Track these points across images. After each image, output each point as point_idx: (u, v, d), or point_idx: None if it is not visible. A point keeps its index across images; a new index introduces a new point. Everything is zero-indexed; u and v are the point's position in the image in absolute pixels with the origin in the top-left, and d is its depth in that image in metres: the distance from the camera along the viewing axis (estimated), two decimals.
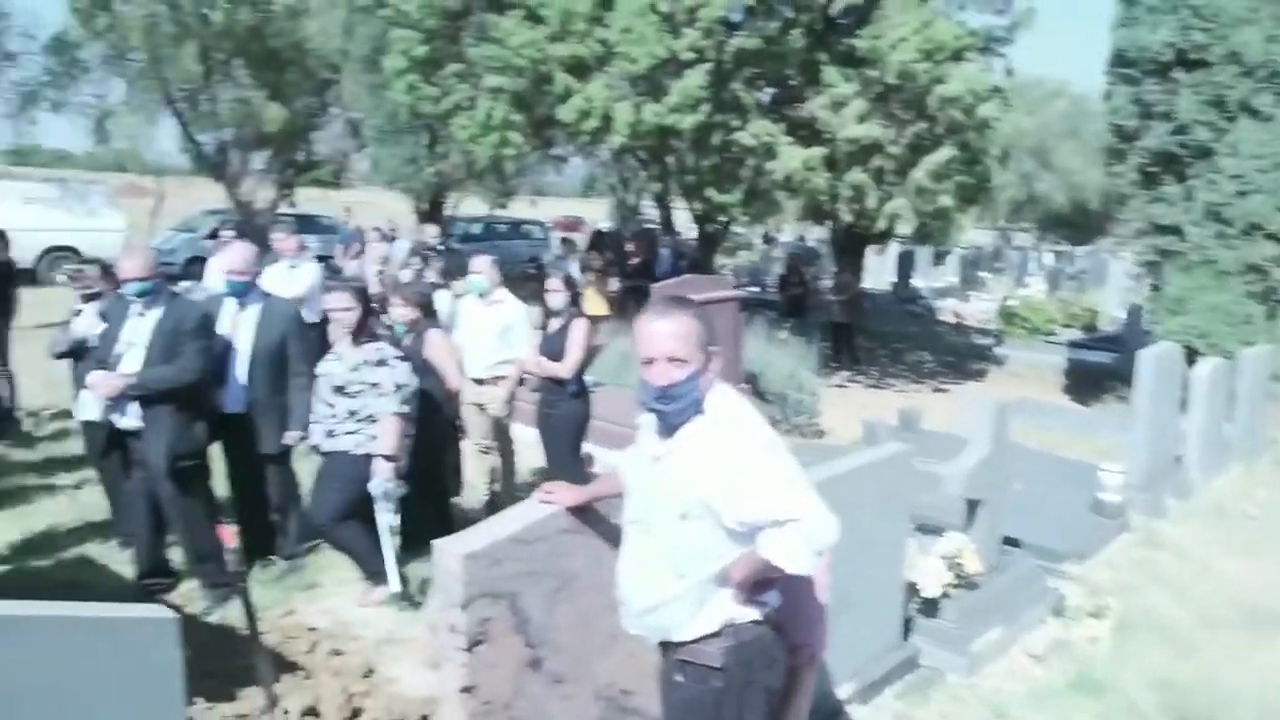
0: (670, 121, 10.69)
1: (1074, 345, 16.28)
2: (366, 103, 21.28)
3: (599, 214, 38.94)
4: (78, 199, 20.29)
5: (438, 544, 2.80)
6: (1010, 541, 5.61)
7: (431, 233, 12.79)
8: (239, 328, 5.22)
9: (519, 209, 30.26)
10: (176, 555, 5.32)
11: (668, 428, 2.41)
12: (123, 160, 26.76)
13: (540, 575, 2.94)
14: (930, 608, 4.83)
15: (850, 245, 16.08)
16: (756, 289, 20.41)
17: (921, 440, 7.09)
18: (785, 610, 2.52)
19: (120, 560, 5.70)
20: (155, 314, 4.92)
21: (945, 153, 11.34)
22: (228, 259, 5.30)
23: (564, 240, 17.70)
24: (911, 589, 4.79)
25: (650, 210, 28.72)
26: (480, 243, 23.40)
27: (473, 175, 21.21)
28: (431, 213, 23.54)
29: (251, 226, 15.02)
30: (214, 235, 19.61)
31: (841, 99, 11.02)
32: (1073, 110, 37.52)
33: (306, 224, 23.26)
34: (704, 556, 2.37)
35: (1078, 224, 39.34)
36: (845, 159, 11.28)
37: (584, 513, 3.03)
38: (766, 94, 12.64)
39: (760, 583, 2.39)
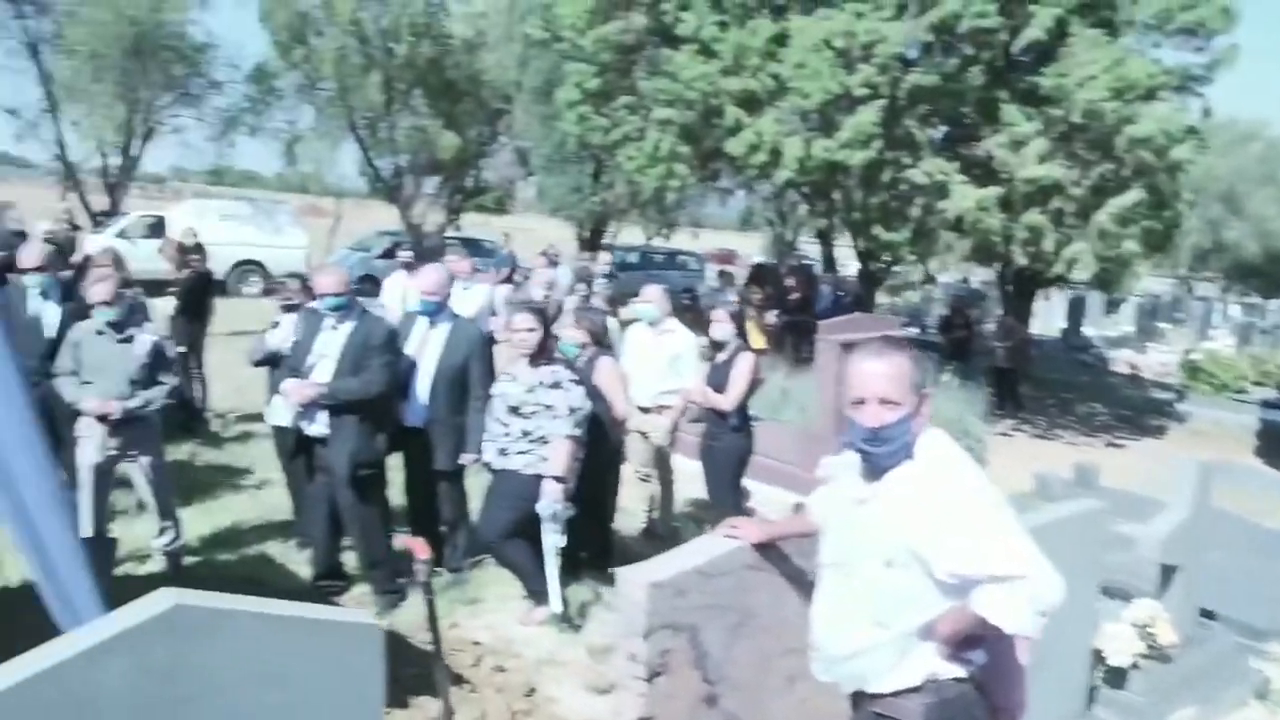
0: (840, 157, 10.56)
1: (1268, 405, 15.10)
2: (536, 132, 21.96)
3: (753, 248, 38.89)
4: (266, 217, 21.65)
5: (621, 572, 2.78)
6: (1207, 614, 5.20)
7: (602, 259, 13.01)
8: (426, 346, 5.40)
9: (679, 240, 30.51)
10: (351, 559, 5.53)
11: (874, 470, 2.32)
12: (306, 182, 28.46)
13: (722, 610, 2.88)
14: (1117, 678, 4.51)
15: (1019, 289, 15.45)
16: (916, 330, 19.89)
17: (1101, 497, 6.69)
18: (989, 669, 2.38)
19: (298, 560, 5.96)
20: (346, 328, 5.15)
21: (1133, 196, 10.77)
22: (422, 280, 5.50)
23: (721, 273, 17.71)
24: (1097, 656, 4.49)
25: (807, 246, 28.49)
26: (636, 271, 23.68)
27: (636, 205, 21.53)
28: (592, 240, 24.04)
29: (421, 248, 15.68)
30: (387, 254, 20.64)
31: (1021, 138, 10.63)
32: (1269, 154, 35.18)
33: (470, 247, 24.08)
34: (908, 606, 2.26)
35: (1270, 275, 36.71)
36: (1022, 200, 10.86)
37: (768, 550, 2.97)
38: (939, 131, 12.34)
39: (969, 639, 2.27)
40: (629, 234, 29.83)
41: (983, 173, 11.32)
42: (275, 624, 1.94)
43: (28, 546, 2.22)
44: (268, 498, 7.16)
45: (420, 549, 3.25)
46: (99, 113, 21.45)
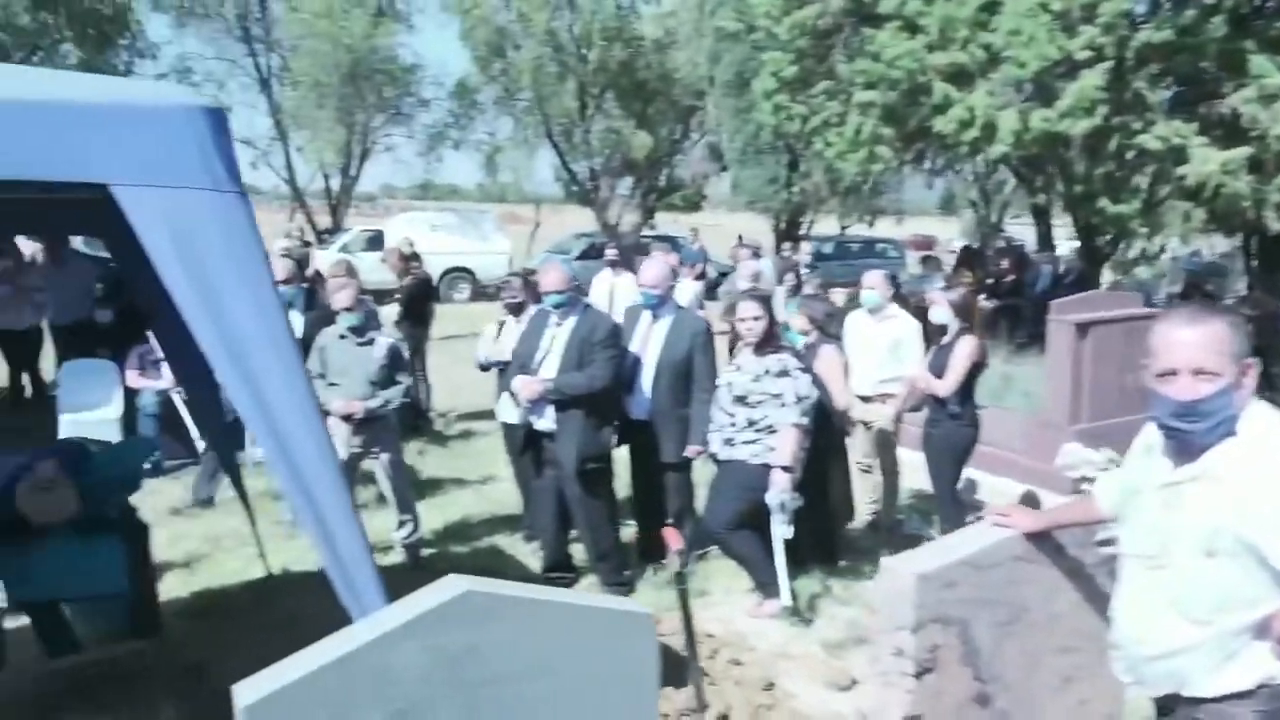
0: (1061, 128, 9.89)
1: None
2: (729, 126, 21.92)
3: (952, 232, 37.32)
4: (472, 225, 22.63)
5: (886, 562, 2.64)
6: None
7: (803, 250, 12.79)
8: (650, 339, 5.41)
9: (881, 228, 29.72)
10: (579, 552, 5.62)
11: (1188, 450, 2.08)
12: (505, 191, 29.59)
13: (992, 604, 2.69)
14: None
15: (1267, 260, 14.03)
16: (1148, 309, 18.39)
17: None
18: None
19: (525, 552, 6.12)
20: (570, 324, 5.23)
21: None
22: (644, 273, 5.53)
23: (925, 258, 17.06)
24: None
25: (1013, 227, 27.07)
26: (832, 261, 23.20)
27: (835, 193, 21.11)
28: (788, 231, 23.76)
29: (619, 247, 15.97)
30: (586, 256, 21.14)
31: (1274, 91, 9.60)
32: None
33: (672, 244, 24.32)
34: (1234, 601, 2.01)
35: None
36: (1275, 159, 9.82)
37: (1041, 540, 2.75)
38: (1171, 92, 11.36)
39: None
40: (823, 224, 29.29)
41: (1226, 133, 10.32)
42: (558, 611, 1.94)
43: (318, 537, 2.33)
44: (493, 493, 7.41)
45: (675, 539, 3.22)
46: (322, 137, 23.05)
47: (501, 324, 6.34)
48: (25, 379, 10.14)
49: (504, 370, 5.98)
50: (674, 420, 5.36)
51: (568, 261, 22.50)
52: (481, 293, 21.84)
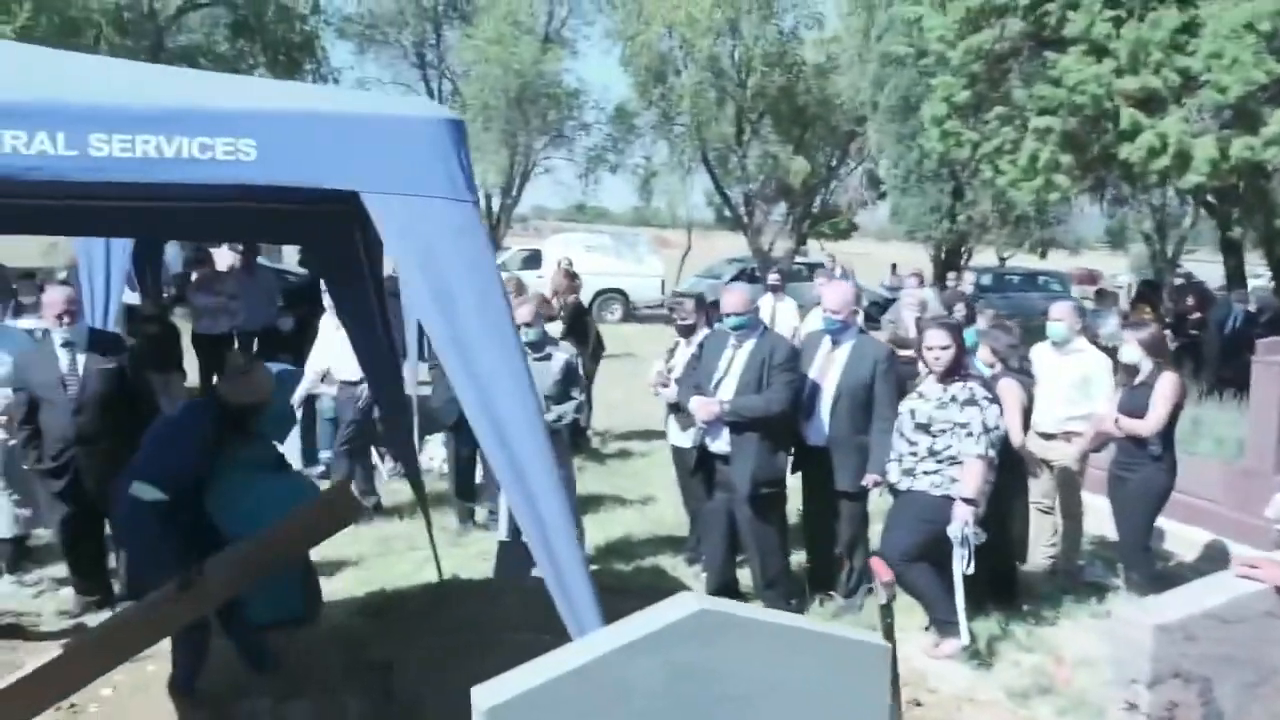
0: (1266, 156, 9.25)
1: None
2: (891, 152, 21.51)
3: (1116, 267, 35.51)
4: (627, 247, 22.94)
5: (1119, 610, 2.48)
6: None
7: (968, 280, 12.38)
8: (830, 364, 5.32)
9: (1055, 260, 28.55)
10: (744, 577, 5.54)
11: None
12: (656, 215, 29.89)
13: (1238, 663, 2.48)
14: None
15: None
16: None
17: None
18: None
19: (689, 574, 6.08)
20: (749, 346, 5.19)
21: None
22: (827, 298, 5.44)
23: (1100, 293, 16.24)
24: None
25: (1188, 262, 25.53)
26: (992, 294, 22.39)
27: (1005, 222, 20.39)
28: (948, 262, 23.09)
29: (780, 272, 15.82)
30: (736, 280, 21.08)
31: None
32: None
33: (815, 271, 24.04)
34: None
35: None
36: None
37: None
38: None
39: None
40: (980, 256, 28.36)
41: None
42: (791, 635, 1.89)
43: (539, 547, 2.35)
44: (653, 512, 7.42)
45: (883, 570, 3.13)
46: (486, 158, 23.84)
47: (674, 348, 6.35)
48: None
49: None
50: (852, 448, 5.23)
51: (717, 287, 22.59)
52: (633, 314, 22.09)
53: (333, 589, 5.81)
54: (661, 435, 10.00)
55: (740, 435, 5.10)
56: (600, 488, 8.12)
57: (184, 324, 9.97)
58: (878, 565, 3.22)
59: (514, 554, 5.79)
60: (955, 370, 4.74)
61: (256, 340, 10.44)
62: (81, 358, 5.09)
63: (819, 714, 1.90)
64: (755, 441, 5.07)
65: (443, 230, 2.26)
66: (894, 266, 24.48)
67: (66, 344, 5.08)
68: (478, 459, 7.16)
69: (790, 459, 5.34)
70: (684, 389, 5.46)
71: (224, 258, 12.39)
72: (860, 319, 5.84)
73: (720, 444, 5.18)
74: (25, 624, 5.17)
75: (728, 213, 27.04)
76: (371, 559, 6.35)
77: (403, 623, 4.73)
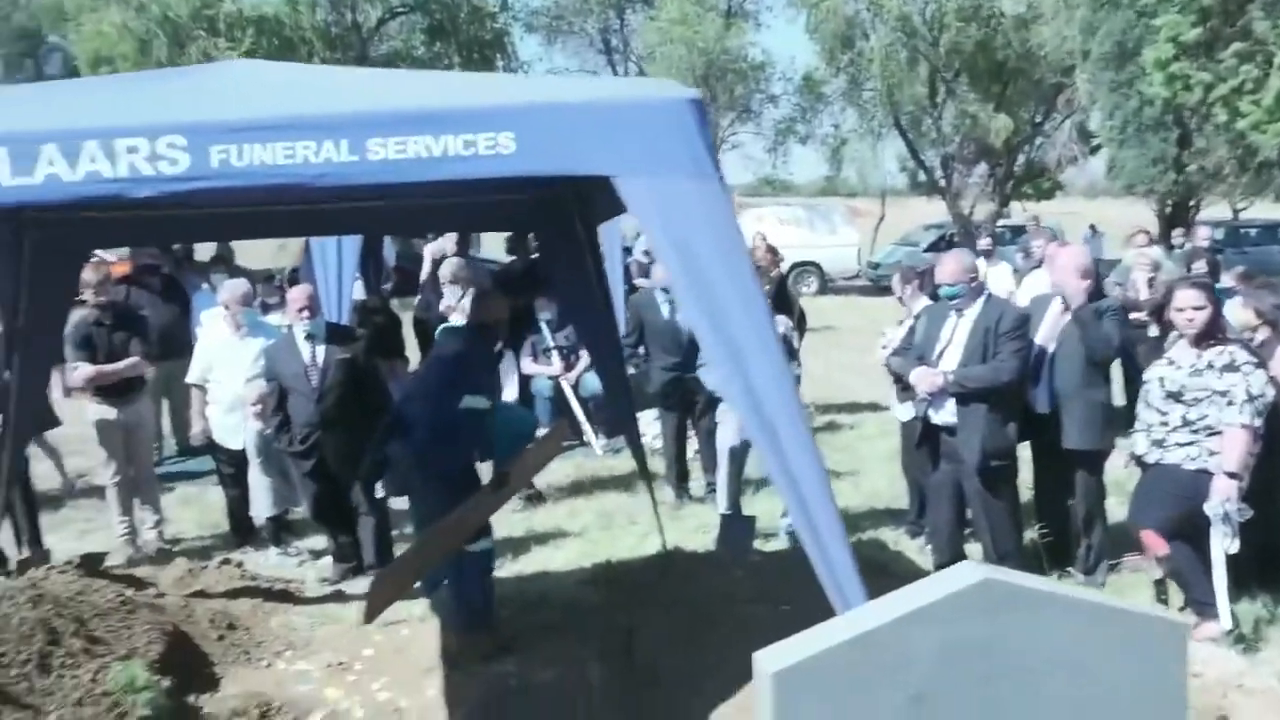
0: None
1: None
2: (1106, 102, 20.10)
3: None
4: (821, 219, 22.57)
5: None
6: None
7: (1202, 236, 11.45)
8: (1058, 327, 5.08)
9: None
10: (973, 551, 5.38)
11: None
12: (847, 184, 29.19)
13: None
14: None
15: None
16: None
17: None
18: None
19: (912, 548, 5.97)
20: (973, 314, 5.02)
21: None
22: (1062, 261, 5.21)
23: None
24: None
25: None
26: (1226, 249, 20.56)
27: (1245, 170, 18.64)
28: (1174, 217, 21.35)
29: (991, 235, 15.08)
30: (934, 248, 20.32)
31: None
32: None
33: (1018, 234, 22.84)
34: None
35: None
36: None
37: None
38: None
39: None
40: (1209, 209, 26.09)
41: None
42: (1085, 609, 1.82)
43: (801, 521, 2.38)
44: (866, 485, 7.31)
45: (1157, 543, 2.97)
46: None
47: (903, 322, 6.20)
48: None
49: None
50: (1082, 404, 4.98)
51: (914, 254, 21.96)
52: (829, 287, 21.71)
53: (560, 561, 6.06)
54: (867, 408, 9.86)
55: (966, 406, 4.94)
56: None
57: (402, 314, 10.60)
58: (1150, 539, 3.05)
59: (736, 528, 5.86)
60: (1211, 333, 4.40)
61: None
62: (321, 349, 5.52)
63: (1113, 694, 1.83)
64: (983, 412, 4.90)
65: (691, 208, 2.30)
66: (1093, 227, 22.87)
67: (309, 336, 5.51)
68: (689, 433, 7.29)
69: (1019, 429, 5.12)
70: (906, 360, 5.34)
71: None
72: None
73: (945, 415, 5.04)
74: (293, 590, 5.66)
75: (922, 177, 26.12)
76: (593, 532, 6.57)
77: (633, 593, 4.87)
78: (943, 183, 24.04)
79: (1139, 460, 4.65)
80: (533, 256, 12.03)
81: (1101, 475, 5.19)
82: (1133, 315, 7.16)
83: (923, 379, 5.02)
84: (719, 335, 2.30)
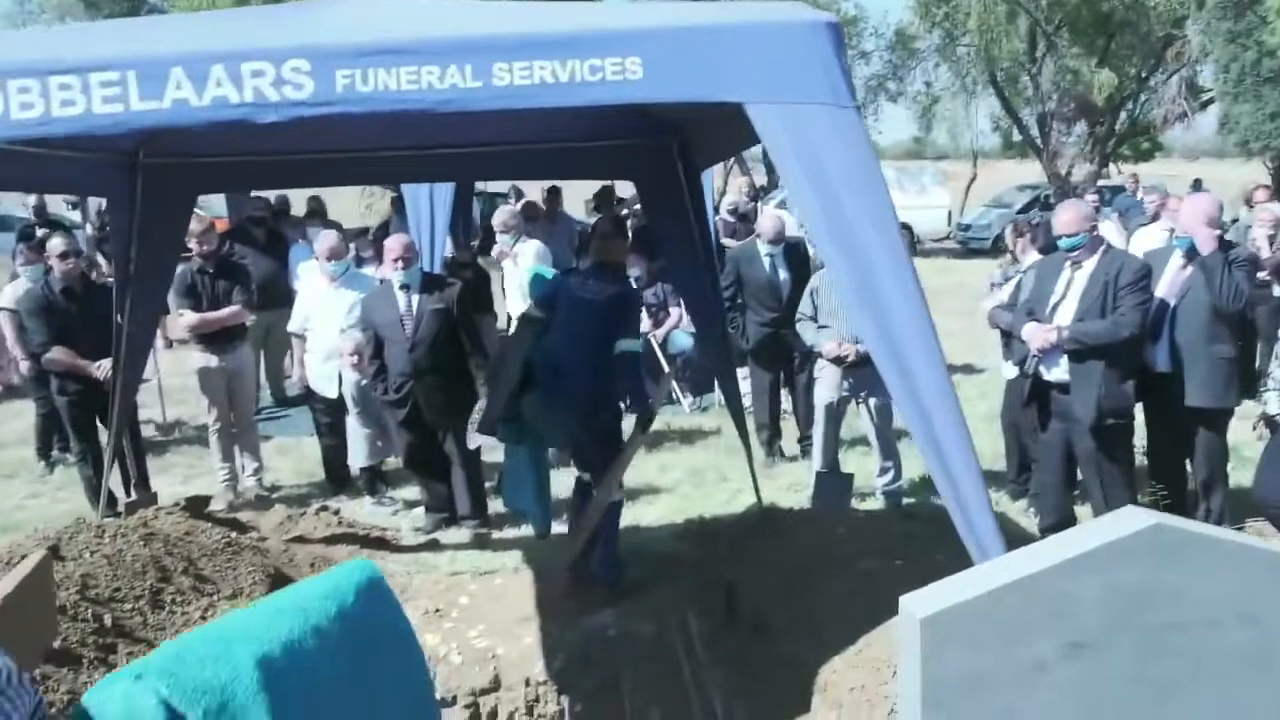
0: None
1: None
2: (1221, 54, 19.02)
3: None
4: (911, 180, 21.99)
5: None
6: None
7: None
8: (1179, 281, 4.84)
9: None
10: (1082, 513, 5.19)
11: None
12: (934, 146, 28.39)
13: None
14: None
15: None
16: None
17: None
18: None
19: (1015, 509, 5.81)
20: (1089, 267, 4.78)
21: None
22: (1184, 213, 4.95)
23: None
24: None
25: None
26: None
27: None
28: None
29: (1099, 192, 14.47)
30: (1028, 209, 19.63)
31: None
32: None
33: (1117, 195, 21.95)
34: None
35: None
36: None
37: None
38: None
39: None
40: None
41: None
42: (1263, 559, 1.69)
43: (938, 472, 2.27)
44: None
45: None
46: None
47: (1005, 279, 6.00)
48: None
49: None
50: (1206, 360, 4.72)
51: (1005, 216, 21.27)
52: (918, 248, 21.19)
53: (651, 516, 6.03)
54: (962, 370, 9.60)
55: (1082, 363, 4.72)
56: (902, 421, 7.88)
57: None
58: None
59: (832, 485, 5.76)
60: None
61: None
62: (416, 299, 5.50)
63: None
64: (1099, 369, 4.67)
65: (827, 137, 2.18)
66: (1198, 182, 21.76)
67: (404, 286, 5.50)
68: (781, 392, 7.18)
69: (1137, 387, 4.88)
70: (1017, 316, 5.13)
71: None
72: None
73: (1057, 372, 4.83)
74: (389, 538, 5.75)
75: (1017, 137, 25.23)
76: (684, 488, 6.53)
77: (730, 548, 4.81)
78: (1039, 142, 23.17)
79: (1270, 421, 4.40)
80: (616, 215, 12.02)
81: (1225, 436, 4.94)
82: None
83: (1035, 335, 4.81)
84: (855, 272, 2.19)
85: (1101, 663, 1.70)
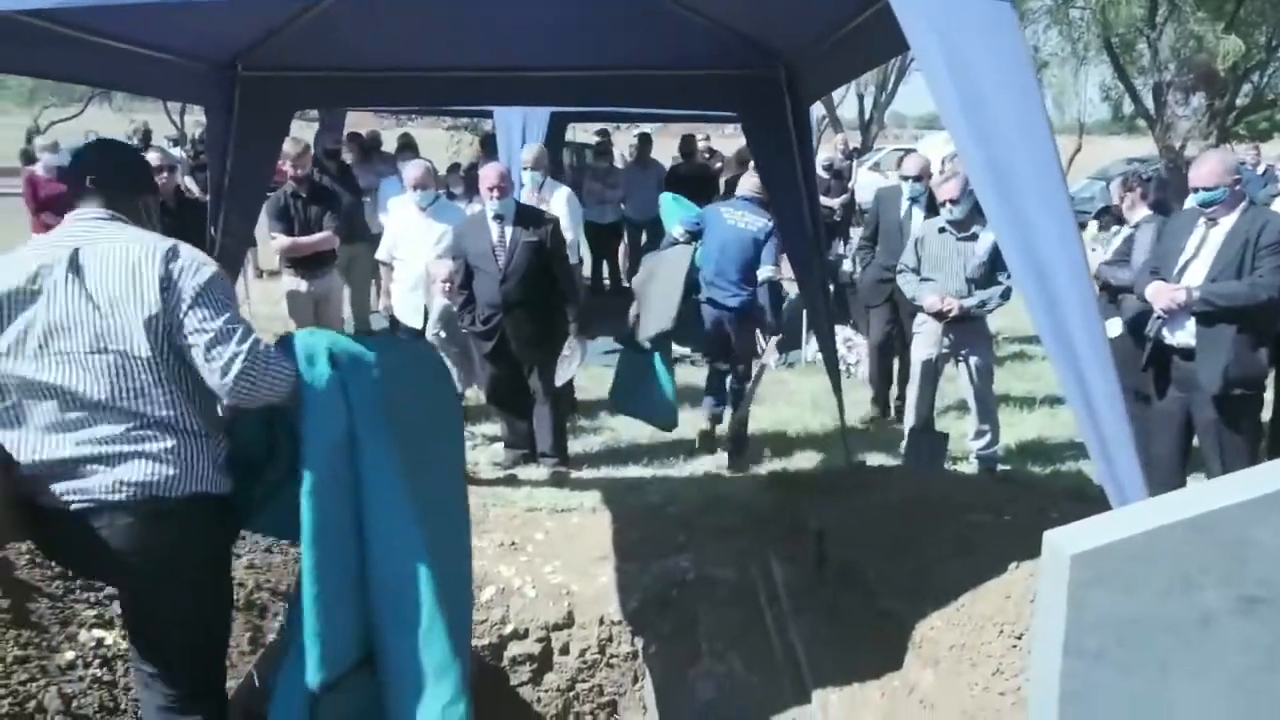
0: None
1: None
2: None
3: None
4: None
5: None
6: None
7: None
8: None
9: None
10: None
11: None
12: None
13: None
14: None
15: None
16: None
17: None
18: None
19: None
20: (1228, 223, 4.43)
21: None
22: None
23: None
24: None
25: None
26: None
27: None
28: None
29: (1177, 174, 13.62)
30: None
31: None
32: None
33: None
34: None
35: None
36: None
37: None
38: None
39: None
40: None
41: None
42: None
43: (1080, 408, 2.06)
44: (1064, 415, 6.76)
45: None
46: None
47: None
48: (605, 269, 11.37)
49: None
50: None
51: (1106, 190, 20.36)
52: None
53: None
54: None
55: (1211, 327, 4.39)
56: (1000, 388, 7.56)
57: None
58: None
59: (926, 443, 5.52)
60: None
61: (644, 232, 10.78)
62: (509, 230, 5.38)
63: None
64: (1230, 334, 4.34)
65: (974, 29, 1.95)
66: None
67: (497, 217, 5.37)
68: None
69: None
70: (1140, 273, 4.79)
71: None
72: None
73: (1183, 335, 4.50)
74: (467, 470, 5.69)
75: (1128, 109, 24.03)
76: (769, 443, 6.35)
77: (818, 499, 4.62)
78: (1152, 114, 22.02)
79: None
80: (701, 162, 11.76)
81: None
82: None
83: (1161, 294, 4.48)
84: (995, 178, 1.96)
85: (1276, 624, 1.49)
